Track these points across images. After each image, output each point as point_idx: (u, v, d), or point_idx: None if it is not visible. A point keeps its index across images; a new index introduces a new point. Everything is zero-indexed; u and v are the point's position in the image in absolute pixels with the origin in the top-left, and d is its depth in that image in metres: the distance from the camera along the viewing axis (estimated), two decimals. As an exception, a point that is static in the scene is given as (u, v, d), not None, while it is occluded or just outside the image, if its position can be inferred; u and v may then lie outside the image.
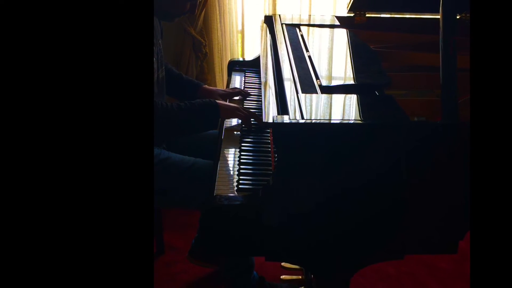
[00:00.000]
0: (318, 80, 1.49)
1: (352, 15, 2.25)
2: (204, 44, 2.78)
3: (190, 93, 2.06)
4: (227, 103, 1.78)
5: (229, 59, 2.58)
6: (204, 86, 2.10)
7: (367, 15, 2.24)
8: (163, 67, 1.87)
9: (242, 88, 2.13)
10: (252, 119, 1.70)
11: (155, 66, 1.75)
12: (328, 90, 1.43)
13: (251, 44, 2.97)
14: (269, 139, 1.62)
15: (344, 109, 1.32)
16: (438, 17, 1.18)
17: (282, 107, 1.39)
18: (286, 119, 1.21)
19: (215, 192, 1.31)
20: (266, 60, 1.82)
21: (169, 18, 1.86)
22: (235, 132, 1.69)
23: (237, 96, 2.03)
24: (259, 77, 2.17)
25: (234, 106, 1.73)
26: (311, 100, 1.33)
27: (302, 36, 1.99)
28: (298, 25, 2.15)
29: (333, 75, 1.60)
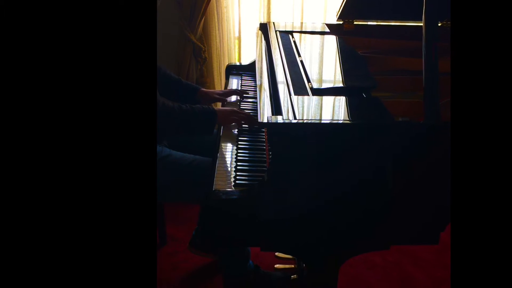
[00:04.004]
0: (309, 83, 1.49)
1: (341, 22, 2.24)
2: (203, 49, 2.77)
3: (189, 96, 2.06)
4: (225, 108, 1.78)
5: (227, 63, 2.58)
6: (202, 89, 2.10)
7: (355, 22, 2.24)
8: None
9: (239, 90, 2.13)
10: (251, 123, 1.70)
11: None
12: (319, 92, 1.43)
13: (247, 49, 2.97)
14: (264, 138, 1.61)
15: (334, 110, 1.31)
16: (421, 24, 1.19)
17: (276, 108, 1.39)
18: (279, 119, 1.21)
19: (214, 187, 1.31)
20: (261, 64, 1.82)
21: None
22: (233, 130, 1.68)
23: (233, 95, 2.03)
24: (255, 80, 2.17)
25: (231, 110, 1.73)
26: (303, 102, 1.33)
27: (294, 42, 1.99)
28: (291, 32, 2.15)
29: (323, 78, 1.59)
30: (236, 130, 1.68)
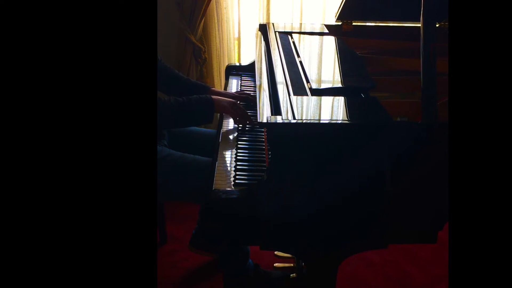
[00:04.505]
0: (308, 83, 1.49)
1: (339, 23, 2.24)
2: (203, 50, 2.77)
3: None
4: (224, 98, 1.77)
5: (227, 64, 2.57)
6: (213, 89, 2.07)
7: (353, 23, 2.24)
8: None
9: (239, 90, 2.12)
10: (245, 120, 1.70)
11: None
12: (318, 92, 1.42)
13: (247, 50, 2.97)
14: (263, 138, 1.61)
15: (332, 110, 1.31)
16: (419, 25, 1.18)
17: (276, 108, 1.39)
18: (279, 119, 1.21)
19: (214, 187, 1.31)
20: (261, 65, 1.81)
21: None
22: (232, 131, 1.69)
23: (244, 100, 1.98)
24: (254, 81, 2.17)
25: (229, 102, 1.72)
26: (302, 102, 1.33)
27: (293, 43, 1.99)
28: (290, 33, 2.15)
29: (322, 78, 1.59)
30: (236, 132, 1.68)
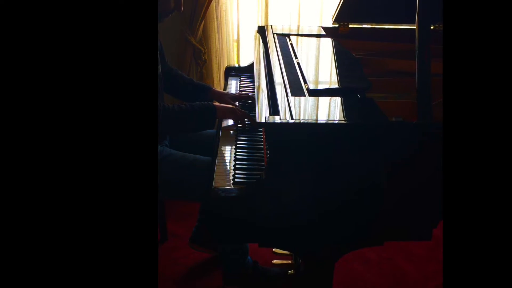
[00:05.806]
0: (306, 84, 1.49)
1: (336, 25, 2.25)
2: (203, 52, 2.77)
3: (202, 96, 2.03)
4: (224, 105, 1.78)
5: (226, 65, 2.57)
6: (214, 89, 2.08)
7: (350, 26, 2.24)
8: (160, 64, 1.83)
9: (238, 91, 2.13)
10: (246, 120, 1.70)
11: None
12: (315, 93, 1.42)
13: (246, 52, 2.97)
14: (262, 137, 1.61)
15: (329, 110, 1.31)
16: (414, 27, 1.19)
17: (274, 109, 1.39)
18: (277, 119, 1.21)
19: (214, 185, 1.31)
20: (259, 66, 1.81)
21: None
22: (231, 132, 1.69)
23: (245, 100, 2.00)
24: (253, 82, 2.16)
25: (230, 108, 1.73)
26: (299, 102, 1.33)
27: (291, 44, 1.99)
28: (288, 35, 2.15)
29: (319, 79, 1.59)
30: (235, 131, 1.69)
